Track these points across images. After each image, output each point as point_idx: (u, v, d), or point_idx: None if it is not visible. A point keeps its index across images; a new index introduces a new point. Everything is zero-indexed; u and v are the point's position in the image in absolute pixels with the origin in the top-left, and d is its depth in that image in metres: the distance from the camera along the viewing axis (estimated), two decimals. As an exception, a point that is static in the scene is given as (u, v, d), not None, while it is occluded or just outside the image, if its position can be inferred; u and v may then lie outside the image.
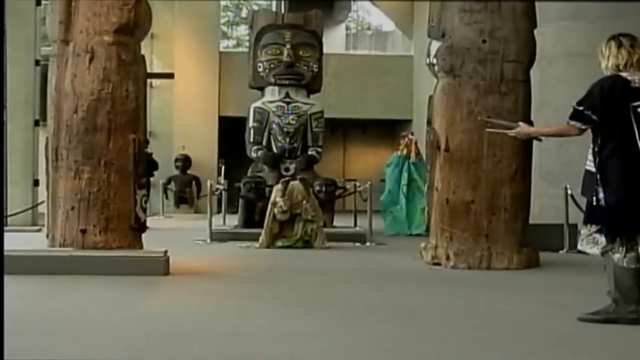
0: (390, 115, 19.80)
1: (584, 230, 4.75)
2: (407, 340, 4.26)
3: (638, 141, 4.56)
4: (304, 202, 9.58)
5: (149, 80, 16.61)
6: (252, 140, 11.69)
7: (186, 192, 18.26)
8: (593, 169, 4.68)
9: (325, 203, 10.96)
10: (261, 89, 12.08)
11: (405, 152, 12.79)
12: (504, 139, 7.48)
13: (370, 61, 20.78)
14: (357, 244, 10.30)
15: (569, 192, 9.36)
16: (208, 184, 11.32)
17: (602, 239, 4.64)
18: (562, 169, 11.02)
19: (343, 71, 19.12)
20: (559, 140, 11.16)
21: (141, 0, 6.98)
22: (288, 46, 11.70)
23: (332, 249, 9.53)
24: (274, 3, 23.84)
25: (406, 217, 12.53)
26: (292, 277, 7.02)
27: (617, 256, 4.60)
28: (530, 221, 7.92)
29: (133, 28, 6.94)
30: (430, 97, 8.17)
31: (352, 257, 8.94)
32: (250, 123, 11.75)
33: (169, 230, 12.51)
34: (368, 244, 10.31)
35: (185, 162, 18.49)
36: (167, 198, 17.94)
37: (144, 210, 7.04)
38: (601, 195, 4.62)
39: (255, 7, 23.35)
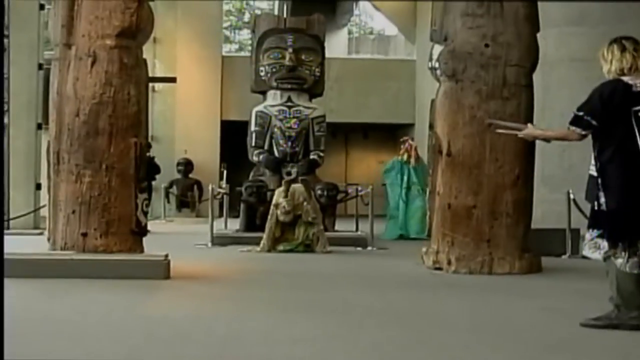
0: (392, 120, 19.80)
1: (587, 235, 4.73)
2: (407, 345, 4.24)
3: (639, 145, 4.55)
4: (305, 203, 9.57)
5: (151, 84, 16.65)
6: (254, 144, 11.69)
7: (188, 196, 18.25)
8: (595, 173, 4.67)
9: (326, 207, 10.96)
10: (263, 93, 12.08)
11: (405, 157, 12.80)
12: (506, 143, 7.49)
13: (373, 65, 20.79)
14: (359, 249, 10.29)
15: (571, 197, 9.34)
16: (210, 188, 11.31)
17: (604, 244, 4.62)
18: (564, 174, 11.01)
19: (345, 75, 19.13)
20: (561, 145, 11.15)
21: (143, 4, 6.99)
22: (290, 50, 11.70)
23: (333, 253, 9.51)
24: (276, 7, 23.85)
25: (404, 221, 12.54)
26: (293, 281, 7.00)
27: (619, 261, 4.58)
28: (532, 226, 7.89)
29: (135, 32, 6.94)
30: (433, 102, 8.17)
31: (353, 262, 8.92)
32: (252, 127, 11.74)
33: (170, 234, 12.51)
34: (369, 248, 10.30)
35: (187, 166, 18.48)
36: (168, 202, 17.95)
37: (145, 214, 7.03)
38: (602, 199, 4.61)
39: (258, 11, 23.36)
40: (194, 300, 5.79)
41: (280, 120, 11.60)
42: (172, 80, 17.61)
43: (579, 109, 4.70)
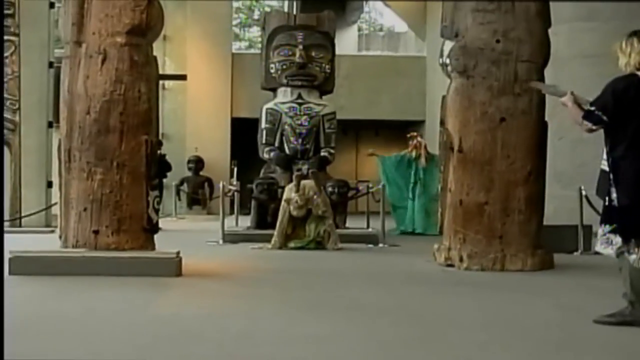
0: (403, 117, 19.75)
1: (599, 231, 4.70)
2: (419, 344, 4.23)
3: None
4: (315, 196, 9.54)
5: (161, 82, 16.69)
6: (264, 141, 11.69)
7: (199, 193, 18.27)
8: (607, 168, 4.63)
9: (337, 204, 10.94)
10: (273, 90, 12.07)
11: (414, 153, 12.81)
12: (518, 140, 7.47)
13: (383, 62, 20.73)
14: (370, 246, 10.27)
15: (584, 193, 9.29)
16: (220, 185, 11.31)
17: (616, 240, 4.59)
18: (576, 171, 10.97)
19: (355, 72, 19.10)
20: (573, 142, 11.14)
21: (153, 1, 6.99)
22: (300, 47, 11.69)
23: (344, 251, 9.50)
24: (286, 4, 23.83)
25: (412, 217, 12.60)
26: (304, 279, 6.99)
27: (632, 257, 4.54)
28: (545, 223, 7.86)
29: (145, 29, 6.94)
30: (443, 98, 8.12)
31: (364, 259, 8.91)
32: (263, 124, 11.74)
33: (181, 231, 12.52)
34: (381, 245, 10.28)
35: (197, 163, 18.50)
36: (179, 199, 17.96)
37: (156, 211, 7.03)
38: (614, 195, 4.59)
39: (268, 9, 23.34)
40: (205, 298, 5.79)
41: (291, 117, 11.59)
42: (183, 77, 17.64)
43: (591, 104, 4.67)
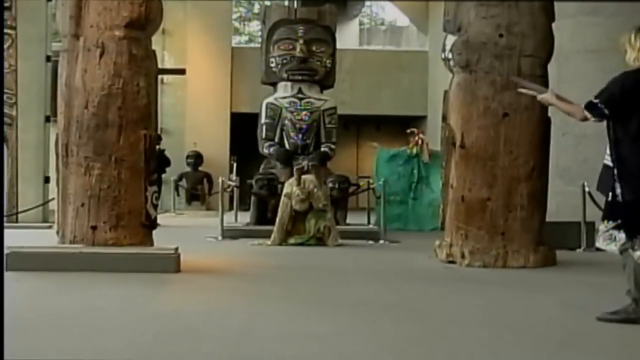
0: (405, 112, 19.73)
1: (601, 227, 4.69)
2: (421, 340, 4.22)
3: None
4: (315, 189, 9.54)
5: (160, 77, 16.65)
6: (264, 136, 11.69)
7: (198, 189, 18.27)
8: (611, 163, 4.62)
9: (338, 200, 10.94)
10: (274, 84, 12.07)
11: (415, 150, 12.82)
12: (521, 135, 7.46)
13: (385, 57, 20.71)
14: (371, 242, 10.26)
15: (587, 189, 9.29)
16: (220, 180, 11.30)
17: (620, 236, 4.58)
18: (579, 167, 10.96)
19: (357, 67, 19.10)
20: (576, 138, 11.13)
21: (152, -6, 6.98)
22: (301, 41, 11.68)
23: (344, 247, 9.51)
24: (286, -2, 23.78)
25: (414, 214, 12.63)
26: (304, 276, 6.99)
27: (637, 254, 4.53)
28: (547, 219, 7.86)
29: (144, 23, 6.93)
30: (446, 93, 8.13)
31: (365, 255, 8.91)
32: (263, 119, 11.74)
33: (180, 227, 12.52)
34: (381, 241, 10.27)
35: (197, 158, 18.49)
36: (178, 195, 17.97)
37: (155, 207, 7.04)
38: (618, 190, 4.58)
39: (268, 2, 23.31)
40: (204, 294, 5.78)
41: (291, 112, 11.59)
42: (182, 72, 17.59)
43: (596, 96, 4.66)
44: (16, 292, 5.35)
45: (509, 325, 4.67)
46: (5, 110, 11.89)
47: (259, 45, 13.93)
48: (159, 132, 14.34)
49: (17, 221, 11.65)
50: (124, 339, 4.13)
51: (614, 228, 4.61)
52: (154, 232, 7.02)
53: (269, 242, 9.58)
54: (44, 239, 7.66)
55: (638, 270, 4.55)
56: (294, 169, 9.95)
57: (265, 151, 11.69)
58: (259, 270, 7.31)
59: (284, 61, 11.75)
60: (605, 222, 4.67)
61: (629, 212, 4.56)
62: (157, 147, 8.61)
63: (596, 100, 4.65)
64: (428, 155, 12.71)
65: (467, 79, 7.64)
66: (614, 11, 11.05)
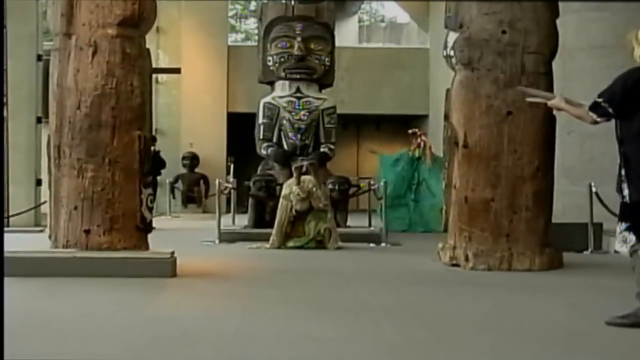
0: (406, 111, 19.73)
1: (617, 229, 4.69)
2: (423, 345, 4.22)
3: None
4: (315, 189, 9.53)
5: (155, 76, 16.66)
6: (262, 137, 11.68)
7: (194, 191, 18.26)
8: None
9: (338, 202, 10.93)
10: (271, 83, 12.06)
11: (417, 152, 12.85)
12: (525, 134, 7.45)
13: (385, 54, 20.72)
14: (372, 245, 10.25)
15: (594, 189, 9.28)
16: (216, 182, 11.30)
17: (631, 237, 4.57)
18: (586, 166, 10.97)
19: (356, 65, 19.10)
20: (582, 136, 11.13)
21: (146, -9, 6.97)
22: (299, 39, 11.67)
23: (345, 250, 9.50)
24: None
25: (412, 216, 12.67)
26: (304, 279, 6.98)
27: (647, 256, 4.53)
28: (553, 220, 7.85)
29: (138, 21, 6.92)
30: (448, 91, 8.13)
31: (366, 258, 8.90)
32: (260, 119, 11.73)
33: (176, 230, 12.51)
34: (383, 244, 10.26)
35: (192, 160, 18.49)
36: (174, 197, 17.94)
37: (150, 209, 7.02)
38: (625, 191, 4.58)
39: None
40: (201, 299, 5.77)
41: (289, 111, 11.58)
42: (177, 71, 17.61)
43: (599, 95, 4.66)
44: (7, 298, 5.33)
45: (515, 329, 4.66)
46: (-4, 112, 11.88)
47: (255, 43, 13.95)
48: (153, 132, 14.37)
49: (8, 225, 11.62)
50: (119, 345, 4.12)
51: (626, 230, 4.60)
52: (149, 235, 7.01)
53: (267, 246, 9.56)
54: (35, 243, 7.64)
55: (647, 273, 4.54)
56: (293, 168, 9.94)
57: (263, 152, 11.68)
58: (257, 274, 7.30)
59: (282, 59, 11.74)
60: (620, 224, 4.66)
61: (636, 213, 4.56)
62: (152, 148, 8.62)
63: (599, 99, 4.65)
64: (432, 160, 12.74)
65: (470, 76, 7.63)
66: (620, 6, 11.06)
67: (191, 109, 18.80)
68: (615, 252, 5.04)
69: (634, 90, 4.55)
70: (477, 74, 7.59)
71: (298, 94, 11.67)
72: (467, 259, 7.46)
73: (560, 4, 7.89)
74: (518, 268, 7.35)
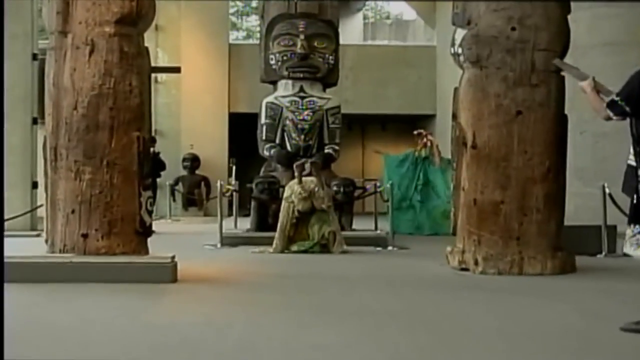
0: (412, 110, 19.75)
1: (628, 231, 4.68)
2: (432, 352, 4.21)
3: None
4: (317, 189, 9.53)
5: (154, 75, 16.67)
6: (264, 137, 11.68)
7: (195, 193, 18.29)
8: (634, 163, 4.62)
9: (343, 205, 10.93)
10: (274, 83, 12.07)
11: (423, 152, 12.87)
12: (535, 134, 7.44)
13: (390, 52, 20.73)
14: (378, 248, 10.26)
15: (607, 191, 9.26)
16: (218, 184, 11.30)
17: (645, 240, 4.57)
18: (599, 166, 10.96)
19: (361, 63, 19.10)
20: (595, 136, 11.13)
21: (144, -12, 6.98)
22: (302, 37, 11.68)
23: (351, 254, 9.50)
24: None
25: (419, 218, 12.69)
26: (308, 285, 6.98)
27: (662, 260, 4.53)
28: (565, 223, 7.83)
29: (136, 18, 6.92)
30: (456, 90, 8.11)
31: (372, 263, 8.90)
32: (263, 119, 11.74)
33: (177, 234, 12.52)
34: (390, 248, 10.27)
35: (193, 161, 18.51)
36: (174, 200, 17.98)
37: (150, 213, 7.02)
38: (640, 192, 4.57)
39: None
40: (203, 305, 5.78)
41: (293, 111, 11.58)
42: (177, 70, 17.64)
43: (617, 93, 4.67)
44: (5, 304, 5.34)
45: (525, 335, 4.65)
46: (-10, 112, 11.89)
47: (257, 42, 13.95)
48: (153, 133, 14.36)
49: (3, 229, 11.63)
50: (118, 352, 4.13)
51: (639, 232, 4.59)
52: (148, 239, 7.02)
53: (270, 250, 9.57)
54: (32, 248, 7.65)
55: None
56: (294, 166, 9.93)
57: (266, 153, 11.68)
58: (260, 279, 7.30)
59: (284, 58, 11.75)
60: (632, 226, 4.65)
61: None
62: (152, 149, 8.62)
63: (617, 98, 4.66)
64: (439, 159, 12.74)
65: (478, 74, 7.63)
66: (634, 3, 11.04)
67: (191, 109, 18.82)
68: (624, 255, 5.02)
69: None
70: (486, 72, 7.59)
71: (301, 94, 11.68)
72: (476, 263, 7.46)
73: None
74: (529, 272, 7.34)
